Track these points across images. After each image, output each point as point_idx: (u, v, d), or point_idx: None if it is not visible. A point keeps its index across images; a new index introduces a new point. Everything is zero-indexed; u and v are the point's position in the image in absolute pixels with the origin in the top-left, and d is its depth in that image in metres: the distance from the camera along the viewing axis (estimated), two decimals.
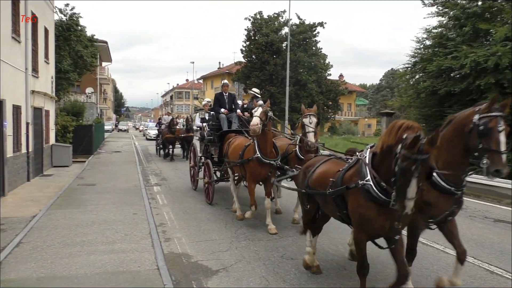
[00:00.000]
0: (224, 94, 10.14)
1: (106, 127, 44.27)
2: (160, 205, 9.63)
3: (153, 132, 37.86)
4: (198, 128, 11.45)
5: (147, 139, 39.37)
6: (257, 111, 7.08)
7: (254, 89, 10.35)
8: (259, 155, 7.22)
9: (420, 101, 15.28)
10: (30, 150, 12.73)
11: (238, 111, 9.75)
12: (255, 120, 6.95)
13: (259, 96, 10.05)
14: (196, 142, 12.06)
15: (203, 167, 10.31)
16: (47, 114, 15.59)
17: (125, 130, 65.08)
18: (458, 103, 12.99)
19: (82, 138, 20.55)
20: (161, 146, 21.73)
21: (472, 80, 12.48)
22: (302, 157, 7.02)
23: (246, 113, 9.62)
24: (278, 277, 5.13)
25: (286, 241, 6.69)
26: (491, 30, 12.79)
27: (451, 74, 13.90)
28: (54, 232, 7.04)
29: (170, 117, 21.99)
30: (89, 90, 37.19)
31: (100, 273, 5.19)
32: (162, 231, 7.32)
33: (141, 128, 65.04)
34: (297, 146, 7.68)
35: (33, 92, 13.13)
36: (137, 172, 15.23)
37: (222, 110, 9.79)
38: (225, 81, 10.54)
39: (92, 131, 21.65)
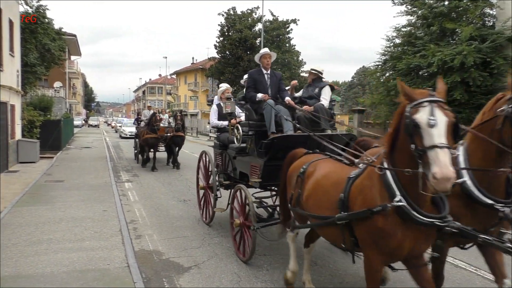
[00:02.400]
0: (265, 71, 6.10)
1: (75, 122, 43.13)
2: (131, 201, 9.48)
3: (129, 129, 33.03)
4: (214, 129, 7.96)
5: (121, 137, 34.54)
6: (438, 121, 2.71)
7: (315, 67, 6.28)
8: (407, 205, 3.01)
9: (390, 98, 15.61)
10: None
11: (288, 98, 5.96)
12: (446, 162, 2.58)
13: (323, 75, 6.29)
14: (209, 149, 8.02)
15: (230, 194, 6.30)
16: (13, 108, 15.05)
17: (95, 126, 63.62)
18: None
19: (50, 134, 19.94)
20: (138, 149, 16.67)
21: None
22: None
23: (306, 107, 5.85)
24: (250, 274, 5.15)
25: (258, 237, 6.70)
26: (457, 30, 13.20)
27: (420, 72, 14.27)
28: (19, 230, 6.82)
29: (152, 112, 16.45)
30: (57, 84, 36.19)
31: (68, 271, 5.07)
32: (133, 228, 7.22)
33: (113, 124, 57.42)
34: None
35: None
36: (107, 168, 14.93)
37: (260, 95, 5.81)
38: (266, 50, 6.38)
39: (60, 126, 21.04)
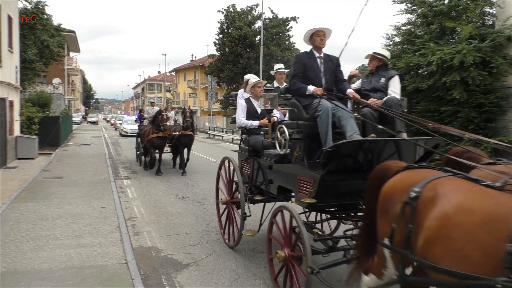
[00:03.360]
0: (317, 53, 4.65)
1: (74, 119, 43.17)
2: (130, 198, 9.47)
3: (130, 127, 31.31)
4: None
5: (122, 136, 32.70)
6: None
7: (379, 51, 4.96)
8: None
9: None
10: None
11: (351, 91, 4.54)
12: None
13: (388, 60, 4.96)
14: (233, 154, 6.52)
15: (263, 212, 5.38)
16: (11, 104, 15.01)
17: (94, 122, 63.56)
18: (425, 99, 13.33)
19: (49, 130, 19.91)
20: (141, 150, 14.73)
21: (438, 77, 12.84)
22: None
23: (373, 100, 4.42)
24: (248, 271, 5.15)
25: (257, 235, 6.71)
26: (457, 28, 13.19)
27: (419, 71, 14.26)
28: (17, 226, 6.81)
29: (156, 109, 14.94)
30: (56, 80, 36.15)
31: (65, 268, 5.07)
32: (132, 225, 7.21)
33: (112, 121, 55.96)
34: None
35: None
36: (106, 165, 14.91)
37: (311, 89, 4.40)
38: (320, 25, 4.63)
39: (59, 123, 21.00)
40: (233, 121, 6.37)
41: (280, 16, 38.60)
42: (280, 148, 4.53)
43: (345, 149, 3.83)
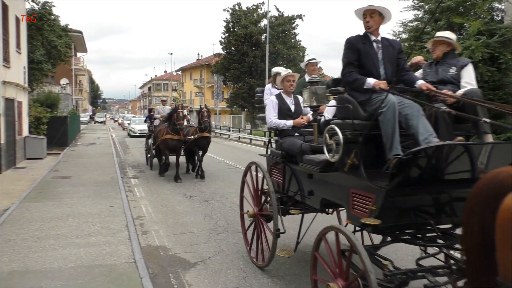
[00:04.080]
0: (373, 37, 3.74)
1: (82, 119, 43.41)
2: (137, 197, 9.51)
3: (139, 127, 30.45)
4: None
5: (130, 136, 31.80)
6: None
7: (445, 33, 4.20)
8: None
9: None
10: (2, 142, 12.35)
11: (422, 82, 3.70)
12: None
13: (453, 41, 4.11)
14: (259, 159, 5.67)
15: (299, 229, 4.65)
16: (20, 105, 15.14)
17: (102, 122, 63.95)
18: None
19: (57, 130, 20.07)
20: (153, 153, 13.67)
21: None
22: None
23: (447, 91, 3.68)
24: (256, 269, 5.14)
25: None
26: (465, 24, 13.07)
27: None
28: (27, 226, 6.87)
29: (168, 108, 13.98)
30: (63, 81, 36.40)
31: (75, 267, 5.10)
32: (140, 224, 7.24)
33: (120, 121, 55.69)
34: None
35: (4, 82, 12.71)
36: (114, 164, 14.99)
37: (371, 82, 3.54)
38: (374, 2, 3.65)
39: (67, 123, 21.17)
40: (261, 120, 5.67)
41: (285, 14, 38.53)
42: (330, 154, 3.60)
43: (425, 157, 2.99)
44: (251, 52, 36.98)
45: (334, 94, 3.99)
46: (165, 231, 6.83)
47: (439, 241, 3.44)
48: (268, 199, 4.96)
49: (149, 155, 14.66)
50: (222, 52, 40.19)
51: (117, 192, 9.87)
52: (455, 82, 3.91)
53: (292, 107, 5.04)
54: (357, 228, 3.69)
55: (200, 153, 12.01)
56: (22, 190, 9.90)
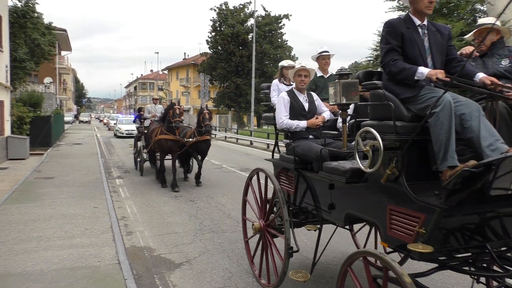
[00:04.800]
0: (418, 21, 3.14)
1: (66, 119, 42.88)
2: (122, 198, 9.42)
3: (126, 127, 29.43)
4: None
5: (117, 137, 30.35)
6: None
7: (489, 19, 3.91)
8: None
9: None
10: None
11: (483, 74, 3.04)
12: None
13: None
14: (266, 165, 5.02)
15: (316, 247, 3.99)
16: (2, 104, 14.88)
17: (87, 122, 63.21)
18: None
19: (40, 130, 19.76)
20: (143, 155, 12.55)
21: None
22: None
23: None
24: (241, 269, 5.14)
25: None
26: (448, 25, 13.27)
27: None
28: (8, 228, 6.74)
29: (160, 107, 12.96)
30: (47, 80, 35.87)
31: (58, 269, 5.02)
32: (124, 225, 7.17)
33: (105, 120, 54.36)
34: None
35: None
36: (98, 164, 14.81)
37: (424, 71, 2.86)
38: None
39: (50, 123, 20.85)
40: (267, 120, 5.07)
41: (272, 14, 38.60)
42: (365, 164, 2.98)
43: (496, 168, 2.39)
44: (238, 52, 36.98)
45: (369, 89, 3.25)
46: (150, 231, 6.78)
47: (496, 268, 2.87)
48: (275, 210, 4.48)
49: (139, 159, 13.22)
50: (209, 51, 40.12)
51: (102, 192, 9.76)
52: (510, 76, 3.35)
53: (306, 105, 4.44)
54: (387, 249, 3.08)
55: (199, 157, 10.85)
56: (3, 191, 9.71)
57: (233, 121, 41.34)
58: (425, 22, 3.15)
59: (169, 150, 10.48)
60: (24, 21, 18.77)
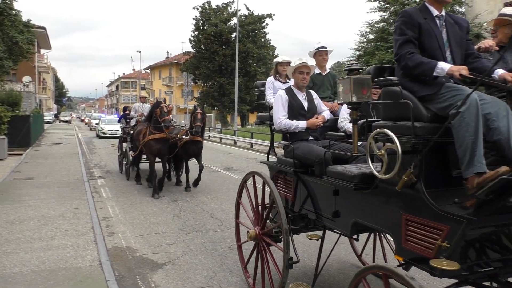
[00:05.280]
0: (435, 11, 2.90)
1: (46, 118, 42.09)
2: (104, 198, 9.30)
3: (109, 127, 28.45)
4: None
5: (99, 137, 29.12)
6: None
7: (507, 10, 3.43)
8: None
9: None
10: None
11: (502, 71, 2.79)
12: None
13: None
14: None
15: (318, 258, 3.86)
16: None
17: (67, 121, 62.17)
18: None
19: (19, 130, 19.35)
20: (129, 158, 11.52)
21: None
22: None
23: None
24: (225, 268, 5.14)
25: (234, 232, 6.69)
26: None
27: None
28: None
29: (147, 106, 11.94)
30: (26, 78, 35.16)
31: (37, 271, 4.94)
32: (106, 225, 7.09)
33: (86, 120, 52.69)
34: None
35: None
36: (79, 164, 14.59)
37: (445, 67, 2.63)
38: None
39: (29, 122, 20.45)
40: (262, 119, 4.89)
41: (255, 13, 38.63)
42: (373, 165, 2.73)
43: None
44: (221, 51, 36.90)
45: (382, 86, 2.92)
46: (133, 232, 6.72)
47: None
48: (270, 215, 4.18)
49: (125, 162, 12.35)
50: (192, 51, 39.92)
51: (83, 193, 9.62)
52: None
53: (306, 104, 4.19)
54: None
55: (192, 160, 10.31)
56: None
57: (217, 120, 41.25)
58: (443, 13, 2.91)
59: (158, 152, 9.62)
60: (1, 19, 18.37)
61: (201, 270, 5.09)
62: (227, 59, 36.72)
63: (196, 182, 9.94)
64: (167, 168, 10.33)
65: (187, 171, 10.11)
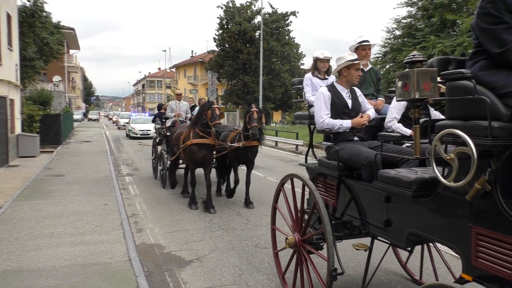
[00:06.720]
0: None
1: (75, 117, 43.13)
2: (132, 195, 9.48)
3: (140, 127, 26.19)
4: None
5: (130, 137, 26.84)
6: None
7: None
8: None
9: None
10: None
11: None
12: None
13: None
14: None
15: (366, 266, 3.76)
16: (12, 103, 15.02)
17: (95, 120, 63.63)
18: None
19: (50, 128, 19.96)
20: (166, 162, 10.31)
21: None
22: None
23: None
24: (251, 267, 5.15)
25: (260, 230, 6.72)
26: (457, 21, 13.14)
27: None
28: (20, 224, 6.82)
29: (185, 104, 11.07)
30: (56, 78, 36.08)
31: (69, 265, 5.08)
32: (134, 222, 7.22)
33: (114, 118, 51.69)
34: None
35: None
36: (108, 162, 14.92)
37: None
38: None
39: (60, 121, 21.04)
40: (301, 119, 4.56)
41: (279, 11, 38.49)
42: (440, 171, 2.41)
43: None
44: (245, 49, 36.92)
45: (450, 79, 2.48)
46: (160, 229, 6.82)
47: None
48: (311, 221, 3.86)
49: (160, 167, 10.91)
50: (216, 49, 40.12)
51: (111, 190, 9.83)
52: None
53: (349, 102, 3.87)
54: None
55: (243, 168, 8.91)
56: (15, 188, 9.83)
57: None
58: None
59: (202, 161, 8.02)
60: (33, 20, 18.91)
61: (228, 267, 5.12)
62: (251, 57, 36.73)
63: (232, 192, 8.97)
64: (220, 181, 9.32)
65: (247, 184, 8.42)
